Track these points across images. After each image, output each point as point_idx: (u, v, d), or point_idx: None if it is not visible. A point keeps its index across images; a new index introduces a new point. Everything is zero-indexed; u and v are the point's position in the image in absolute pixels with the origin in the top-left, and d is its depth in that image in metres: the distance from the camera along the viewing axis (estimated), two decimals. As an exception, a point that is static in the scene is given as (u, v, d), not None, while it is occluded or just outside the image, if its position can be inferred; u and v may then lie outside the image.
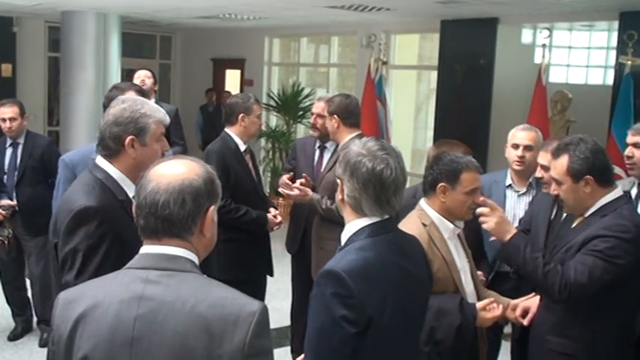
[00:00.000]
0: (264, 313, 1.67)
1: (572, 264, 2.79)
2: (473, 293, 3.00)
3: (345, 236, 2.26)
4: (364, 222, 2.23)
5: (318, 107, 4.73)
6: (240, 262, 4.35)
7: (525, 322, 3.02)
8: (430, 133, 9.00)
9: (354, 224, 2.25)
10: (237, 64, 12.02)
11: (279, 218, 4.55)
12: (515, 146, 4.00)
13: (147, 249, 1.75)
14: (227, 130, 4.44)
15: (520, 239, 2.94)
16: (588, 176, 2.85)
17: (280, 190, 4.52)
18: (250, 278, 4.35)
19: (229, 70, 12.37)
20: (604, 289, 2.78)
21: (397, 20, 8.81)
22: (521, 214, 4.01)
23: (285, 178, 4.54)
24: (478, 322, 2.85)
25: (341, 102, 4.36)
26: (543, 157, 3.56)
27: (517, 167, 3.99)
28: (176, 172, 1.75)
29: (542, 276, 2.82)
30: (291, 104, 10.47)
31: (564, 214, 3.21)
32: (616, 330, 2.89)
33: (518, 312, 3.04)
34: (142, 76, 5.71)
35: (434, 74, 8.82)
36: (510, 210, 4.05)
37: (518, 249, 2.90)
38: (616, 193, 2.91)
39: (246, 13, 9.24)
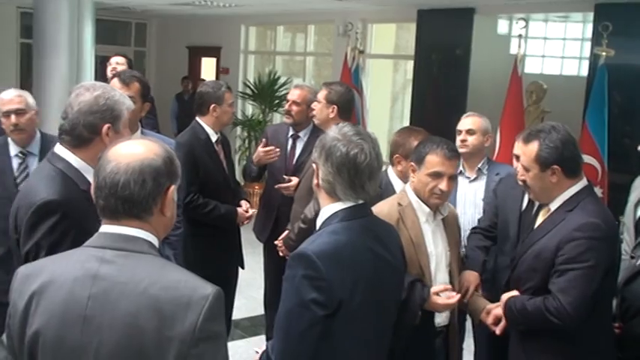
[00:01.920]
0: (218, 297, 1.67)
1: (560, 287, 2.74)
2: (445, 283, 3.01)
3: (319, 220, 2.30)
4: (338, 206, 2.25)
5: (294, 94, 4.69)
6: (207, 259, 4.19)
7: (497, 331, 3.03)
8: (406, 123, 9.00)
9: (328, 208, 2.27)
10: (213, 52, 11.94)
11: (251, 212, 4.45)
12: (459, 132, 4.15)
13: (105, 228, 1.75)
14: (198, 119, 4.31)
15: (513, 303, 2.94)
16: (555, 166, 2.85)
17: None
18: (219, 274, 4.31)
19: (205, 58, 12.29)
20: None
21: (374, 9, 8.79)
22: (471, 199, 4.12)
23: (260, 147, 4.56)
24: (428, 305, 2.85)
25: (344, 94, 4.36)
26: (518, 148, 3.57)
27: (461, 150, 4.02)
28: (135, 152, 1.75)
29: (546, 314, 2.78)
30: (267, 93, 10.43)
31: (535, 206, 3.21)
32: (599, 324, 2.87)
33: (490, 320, 3.06)
34: (113, 63, 5.58)
35: (410, 64, 8.82)
36: (462, 196, 4.15)
37: (512, 311, 2.92)
38: (581, 184, 2.90)
39: (222, 0, 9.17)
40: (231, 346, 4.51)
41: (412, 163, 3.00)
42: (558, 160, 2.84)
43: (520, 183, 3.03)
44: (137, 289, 1.64)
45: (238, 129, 10.93)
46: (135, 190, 1.71)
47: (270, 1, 8.79)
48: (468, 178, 4.16)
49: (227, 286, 4.51)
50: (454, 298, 2.91)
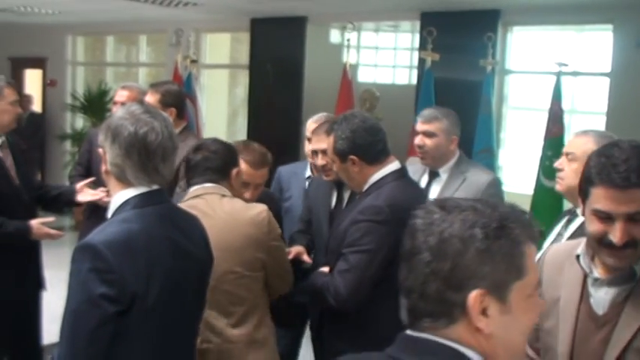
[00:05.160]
0: None
1: (340, 269, 2.69)
2: None
3: (111, 210, 2.04)
4: (131, 193, 2.02)
5: (122, 96, 4.29)
6: None
7: None
8: (244, 136, 8.83)
9: (120, 196, 2.03)
10: (38, 63, 11.20)
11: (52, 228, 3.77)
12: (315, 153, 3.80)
13: None
14: None
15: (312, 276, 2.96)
16: (352, 156, 2.77)
17: None
18: (15, 299, 3.72)
19: (29, 69, 11.52)
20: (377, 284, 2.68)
21: (206, 18, 8.57)
22: None
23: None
24: None
25: (177, 93, 4.12)
26: (321, 141, 3.38)
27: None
28: None
29: (326, 293, 2.74)
30: (97, 105, 9.95)
31: (345, 203, 3.16)
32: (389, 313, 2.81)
33: None
34: None
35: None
36: None
37: (309, 282, 2.94)
38: (387, 169, 2.81)
39: (45, 7, 8.61)
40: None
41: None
42: (352, 149, 2.77)
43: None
44: None
45: (68, 143, 10.35)
46: None
47: (97, 8, 8.35)
48: None
49: (27, 312, 3.93)
50: None
